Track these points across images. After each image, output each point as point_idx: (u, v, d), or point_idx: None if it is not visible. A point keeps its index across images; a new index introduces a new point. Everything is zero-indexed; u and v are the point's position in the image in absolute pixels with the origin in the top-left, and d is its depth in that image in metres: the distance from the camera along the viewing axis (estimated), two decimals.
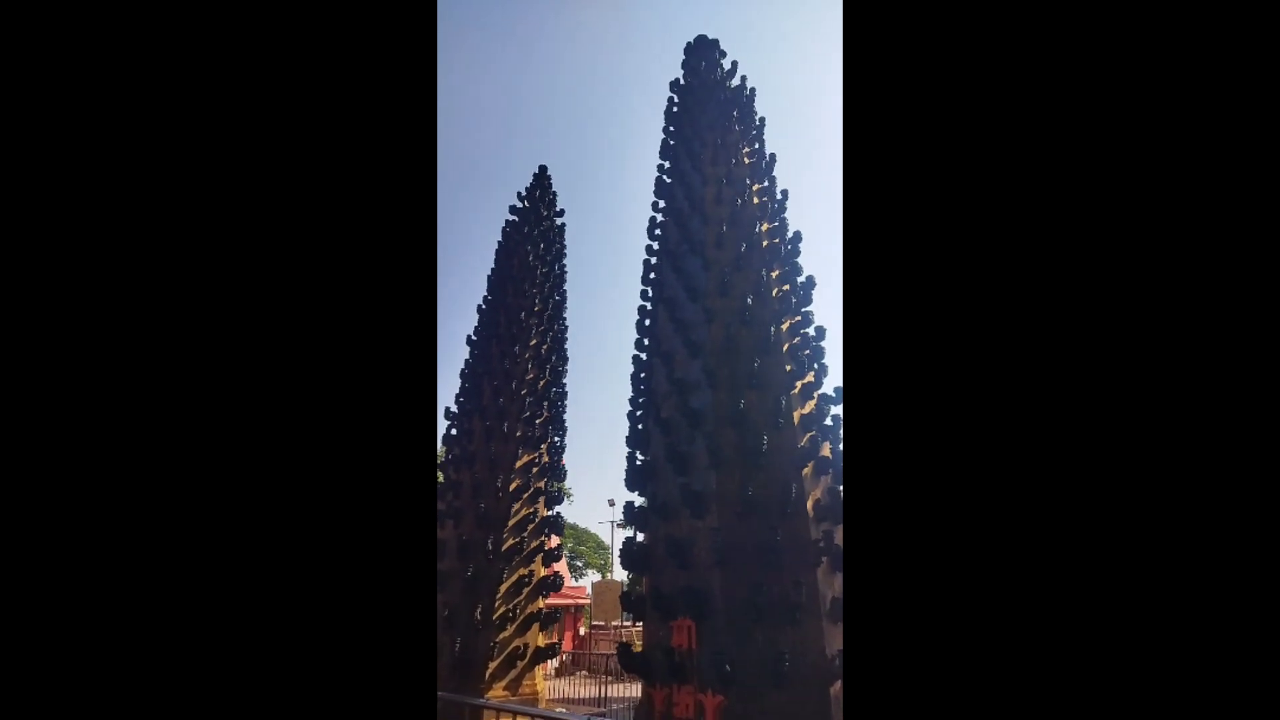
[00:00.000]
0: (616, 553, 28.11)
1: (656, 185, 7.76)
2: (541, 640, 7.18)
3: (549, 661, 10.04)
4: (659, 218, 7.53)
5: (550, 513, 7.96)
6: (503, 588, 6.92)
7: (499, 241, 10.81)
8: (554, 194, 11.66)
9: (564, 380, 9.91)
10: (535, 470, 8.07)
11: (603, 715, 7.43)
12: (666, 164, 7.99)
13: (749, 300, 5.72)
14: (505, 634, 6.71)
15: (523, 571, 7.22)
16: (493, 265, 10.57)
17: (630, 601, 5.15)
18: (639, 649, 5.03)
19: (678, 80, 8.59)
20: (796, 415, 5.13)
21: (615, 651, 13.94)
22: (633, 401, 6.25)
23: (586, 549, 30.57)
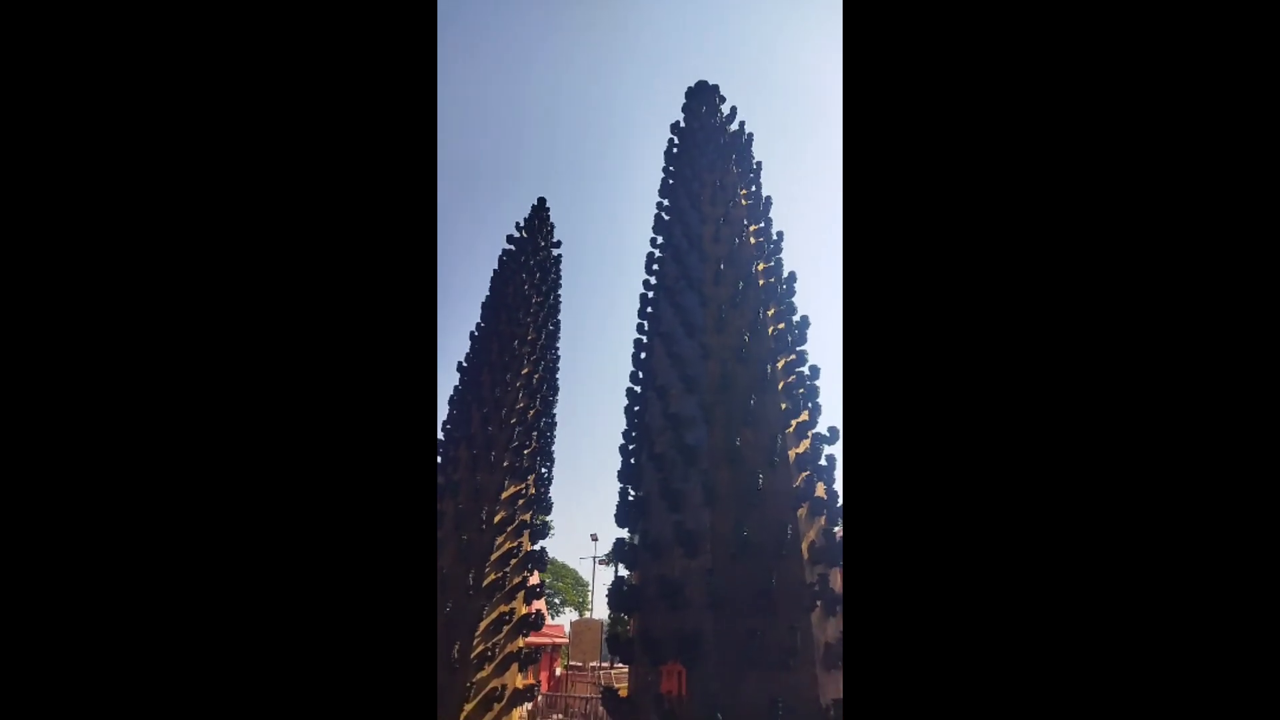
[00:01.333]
0: (596, 590, 27.37)
1: (655, 222, 7.91)
2: (520, 682, 6.88)
3: (525, 704, 9.59)
4: (657, 253, 7.64)
5: (534, 547, 7.75)
6: (482, 625, 6.66)
7: (495, 270, 10.87)
8: (552, 225, 11.82)
9: (554, 410, 9.82)
10: (521, 502, 7.89)
11: None
12: (666, 202, 8.18)
13: (745, 337, 5.77)
14: (483, 674, 6.42)
15: (503, 608, 6.96)
16: (488, 292, 10.59)
17: (618, 643, 4.97)
18: (624, 693, 4.83)
19: (678, 123, 8.88)
20: (792, 454, 5.12)
21: (594, 694, 13.37)
22: (626, 435, 6.20)
23: (564, 585, 29.70)
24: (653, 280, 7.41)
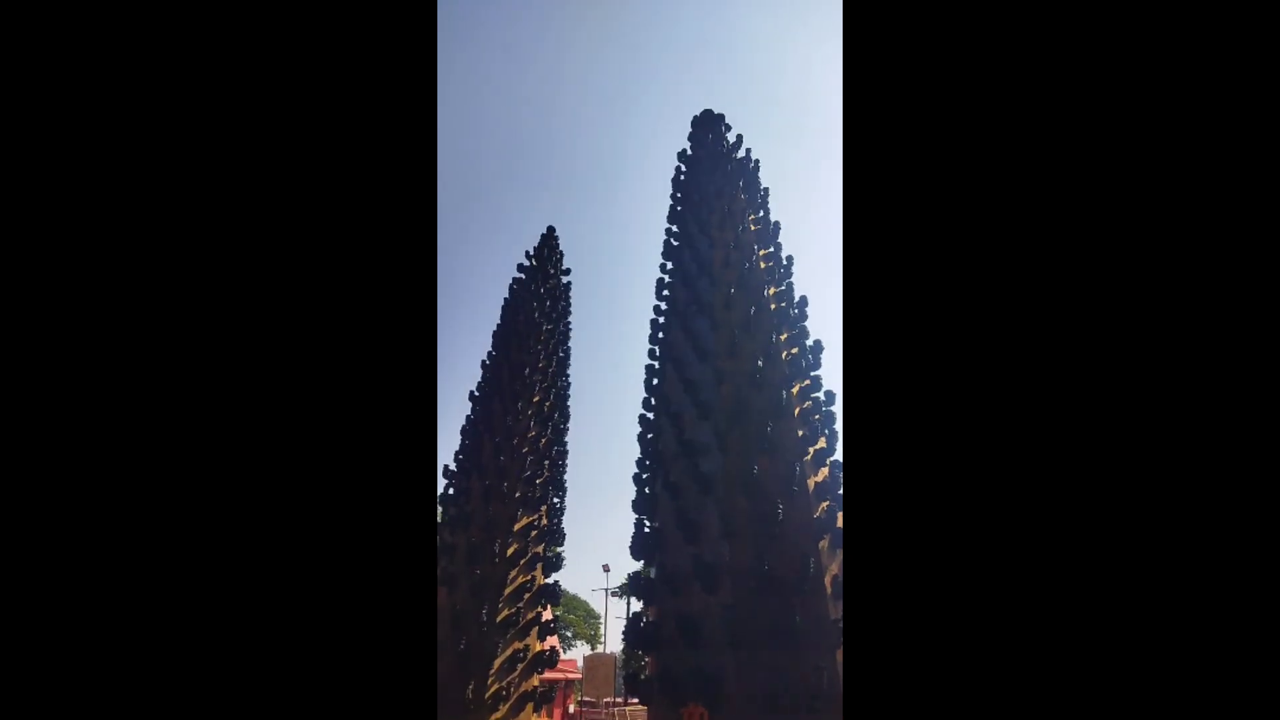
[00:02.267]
0: (608, 622, 26.62)
1: (665, 248, 7.95)
2: None
3: None
4: (667, 279, 7.65)
5: (548, 580, 7.59)
6: (496, 663, 6.47)
7: (505, 299, 10.95)
8: (561, 254, 11.94)
9: (565, 439, 9.74)
10: (534, 534, 7.76)
11: None
12: (674, 228, 8.22)
13: (759, 362, 5.70)
14: (498, 715, 6.21)
15: (517, 645, 6.78)
16: (498, 321, 10.64)
17: (636, 683, 4.78)
18: None
19: (684, 150, 8.99)
20: (811, 483, 4.99)
21: None
22: (640, 463, 6.09)
23: (576, 618, 29.03)
24: (663, 306, 7.40)
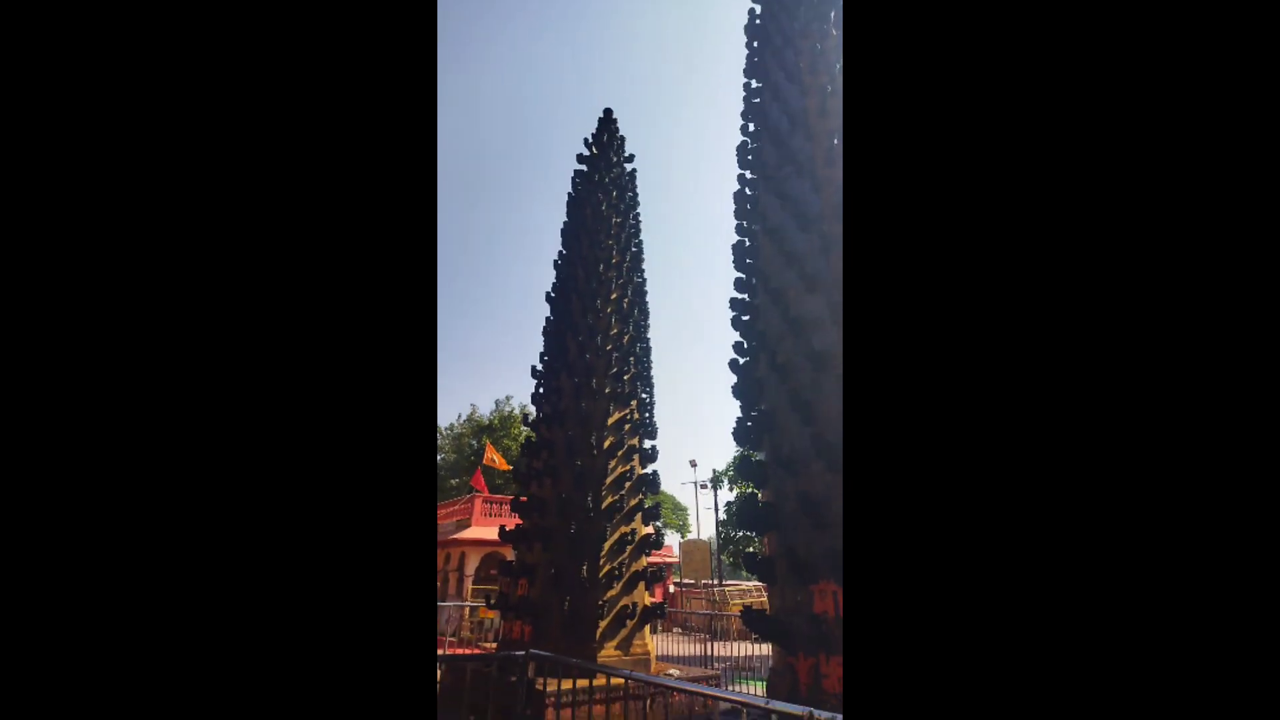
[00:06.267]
0: (698, 513, 28.25)
1: (746, 106, 6.90)
2: (647, 599, 6.97)
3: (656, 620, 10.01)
4: (750, 143, 6.69)
5: (646, 470, 7.65)
6: (606, 546, 6.71)
7: (569, 193, 10.33)
8: (622, 138, 10.97)
9: (647, 335, 9.48)
10: (628, 428, 7.74)
11: (715, 676, 7.19)
12: (754, 82, 7.09)
13: None
14: (613, 593, 6.53)
15: (624, 529, 6.98)
16: (565, 218, 10.12)
17: (754, 562, 4.69)
18: (768, 612, 4.59)
19: None
20: None
21: (708, 610, 13.85)
22: (738, 348, 5.65)
23: (665, 509, 31.00)
24: (749, 175, 6.53)
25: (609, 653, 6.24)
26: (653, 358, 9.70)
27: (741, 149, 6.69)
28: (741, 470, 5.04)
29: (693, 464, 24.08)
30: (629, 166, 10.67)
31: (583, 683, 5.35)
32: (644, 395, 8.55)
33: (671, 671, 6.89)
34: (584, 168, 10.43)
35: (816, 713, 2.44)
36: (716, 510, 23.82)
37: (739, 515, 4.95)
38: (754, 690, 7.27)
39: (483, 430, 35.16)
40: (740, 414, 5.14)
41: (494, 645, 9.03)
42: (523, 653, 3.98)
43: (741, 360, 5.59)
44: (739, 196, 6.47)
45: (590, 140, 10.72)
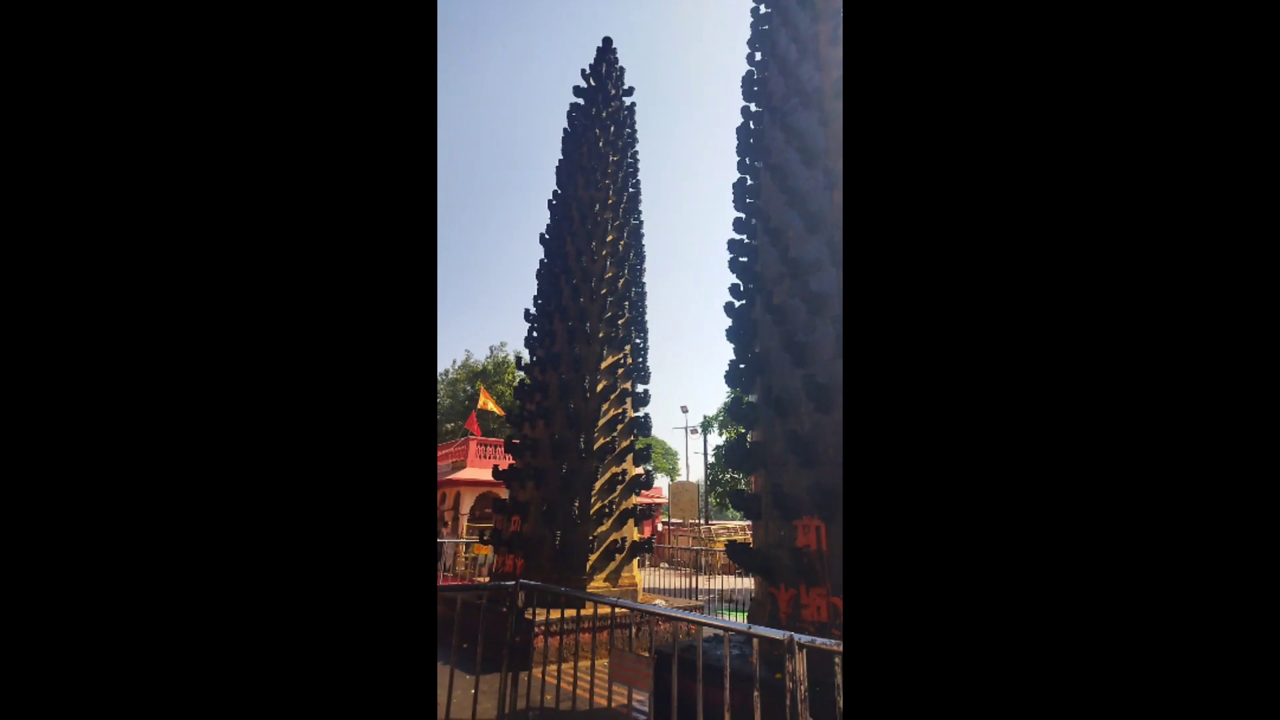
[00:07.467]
0: (688, 458, 28.97)
1: (753, 33, 6.48)
2: (635, 535, 7.18)
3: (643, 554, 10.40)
4: (755, 72, 6.33)
5: (638, 414, 7.70)
6: (598, 484, 6.84)
7: (565, 129, 9.86)
8: (621, 69, 10.39)
9: (643, 280, 9.31)
10: (621, 371, 7.73)
11: (699, 607, 7.53)
12: (762, 7, 6.63)
13: None
14: (603, 528, 6.71)
15: (615, 469, 7.10)
16: (560, 157, 9.72)
17: (741, 499, 4.79)
18: (751, 546, 4.73)
19: None
20: None
21: (695, 546, 14.39)
22: (734, 290, 5.54)
23: (655, 454, 31.69)
24: (753, 108, 6.21)
25: (598, 584, 6.48)
26: (648, 302, 9.60)
27: (747, 79, 6.33)
28: (732, 413, 5.06)
29: (684, 409, 24.47)
30: (628, 100, 10.16)
31: (570, 612, 5.58)
32: (638, 340, 8.50)
33: (658, 602, 7.19)
34: (580, 101, 9.92)
35: (797, 636, 2.52)
36: (705, 455, 24.46)
37: (728, 455, 5.01)
38: (737, 620, 7.65)
39: (477, 375, 35.34)
40: (734, 357, 5.11)
41: (487, 579, 9.38)
42: (513, 583, 4.10)
43: (737, 304, 5.50)
44: (742, 131, 6.17)
45: (588, 71, 10.15)
